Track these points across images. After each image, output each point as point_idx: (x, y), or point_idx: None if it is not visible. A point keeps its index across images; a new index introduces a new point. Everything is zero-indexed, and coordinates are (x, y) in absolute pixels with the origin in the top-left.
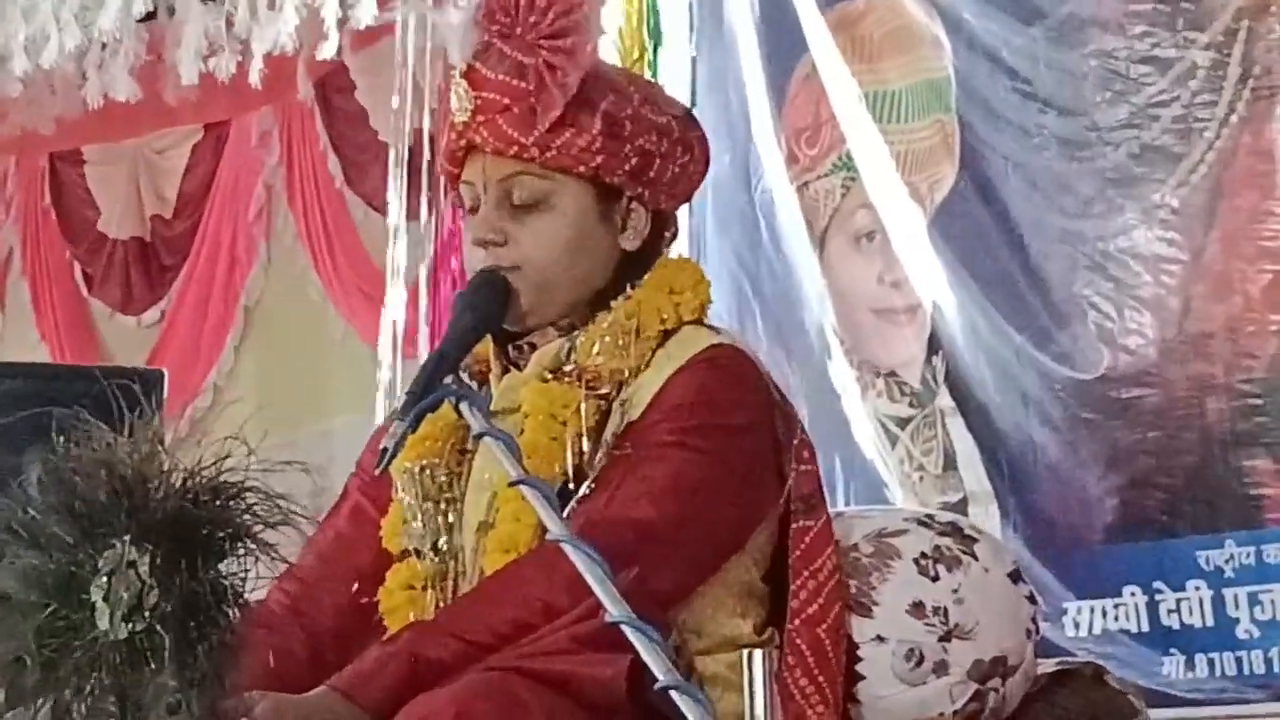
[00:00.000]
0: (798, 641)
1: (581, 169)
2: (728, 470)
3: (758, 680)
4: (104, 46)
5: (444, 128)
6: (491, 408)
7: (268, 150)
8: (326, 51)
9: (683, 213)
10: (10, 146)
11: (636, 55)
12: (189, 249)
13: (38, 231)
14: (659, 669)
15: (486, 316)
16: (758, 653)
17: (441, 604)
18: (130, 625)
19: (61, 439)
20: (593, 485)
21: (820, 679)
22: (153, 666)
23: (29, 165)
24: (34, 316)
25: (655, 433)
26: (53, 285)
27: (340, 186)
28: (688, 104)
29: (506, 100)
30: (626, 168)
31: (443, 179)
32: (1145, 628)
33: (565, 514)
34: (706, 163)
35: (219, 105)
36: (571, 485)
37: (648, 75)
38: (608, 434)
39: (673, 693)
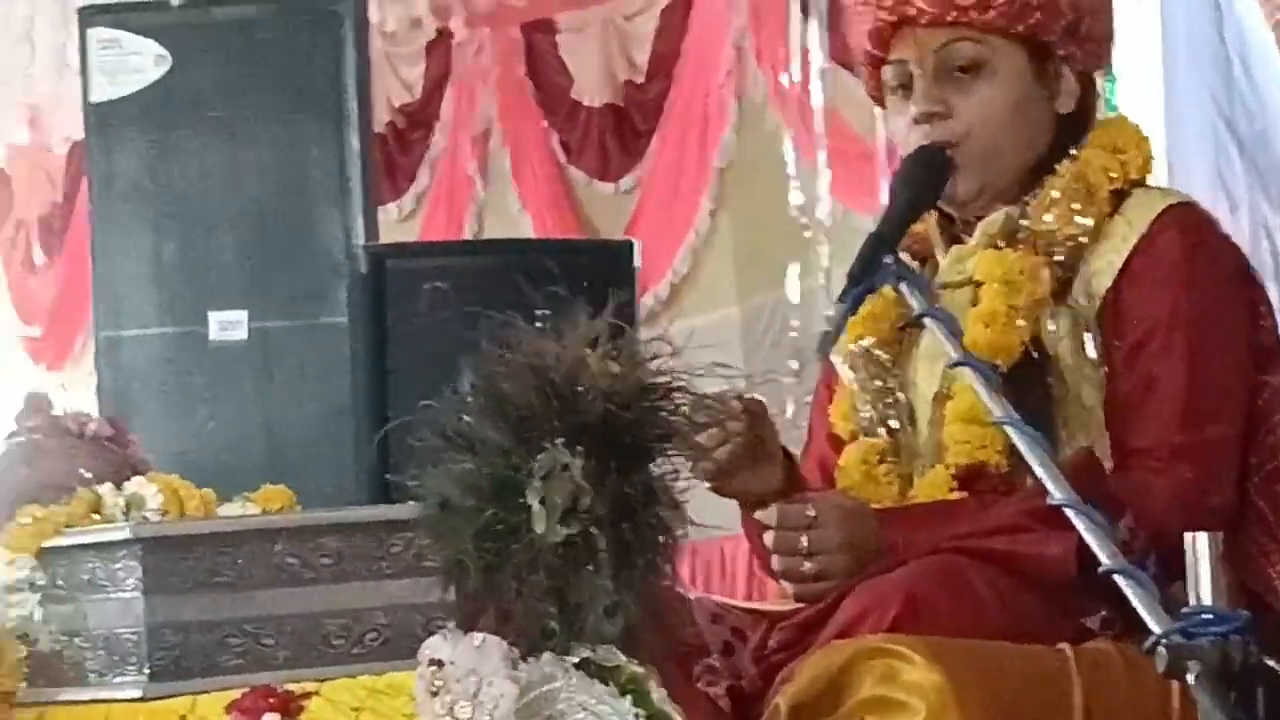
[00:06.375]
0: (1255, 498)
1: (1020, 27)
2: (1234, 352)
3: (1203, 563)
4: None
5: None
6: (941, 280)
7: (734, 10)
8: None
9: (1155, 59)
10: (484, 19)
11: None
12: (661, 114)
13: (515, 102)
14: (1103, 552)
15: (923, 196)
16: (1202, 535)
17: (898, 479)
18: (566, 528)
19: (494, 342)
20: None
21: None
22: (589, 569)
23: (503, 37)
24: (514, 187)
25: (1152, 328)
26: (531, 155)
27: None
28: None
29: None
30: (1062, 23)
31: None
32: None
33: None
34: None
35: None
36: (1034, 353)
37: None
38: (1071, 301)
39: (1116, 576)
